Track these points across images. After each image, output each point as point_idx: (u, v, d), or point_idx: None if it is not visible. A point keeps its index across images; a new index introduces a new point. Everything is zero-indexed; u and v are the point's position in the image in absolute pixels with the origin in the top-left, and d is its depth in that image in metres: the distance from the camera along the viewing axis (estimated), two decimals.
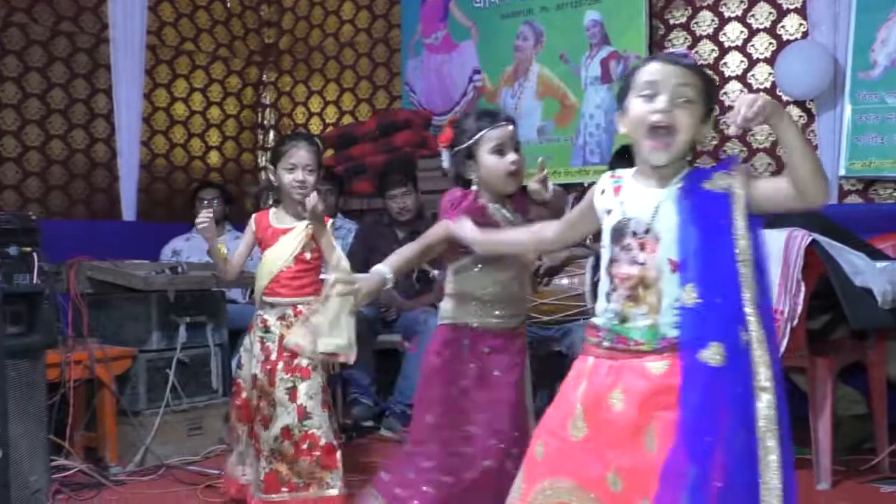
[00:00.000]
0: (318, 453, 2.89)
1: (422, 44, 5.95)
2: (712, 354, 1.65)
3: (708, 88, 1.80)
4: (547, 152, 5.34)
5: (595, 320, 1.86)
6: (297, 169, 2.99)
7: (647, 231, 1.77)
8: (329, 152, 6.09)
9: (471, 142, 2.45)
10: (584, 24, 5.24)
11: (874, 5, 4.29)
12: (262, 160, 6.83)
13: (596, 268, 3.39)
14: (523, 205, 2.55)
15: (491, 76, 5.65)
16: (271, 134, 6.83)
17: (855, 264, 3.21)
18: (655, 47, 5.05)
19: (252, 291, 5.06)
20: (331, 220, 3.10)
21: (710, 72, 2.29)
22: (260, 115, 6.86)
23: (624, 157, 4.28)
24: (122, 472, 3.58)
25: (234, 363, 4.72)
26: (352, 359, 2.59)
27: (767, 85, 4.78)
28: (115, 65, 5.61)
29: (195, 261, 4.65)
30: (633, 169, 1.87)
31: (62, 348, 3.46)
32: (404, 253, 2.46)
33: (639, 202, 1.80)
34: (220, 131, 6.57)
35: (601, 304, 1.84)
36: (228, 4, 6.64)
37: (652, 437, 1.70)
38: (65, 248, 3.91)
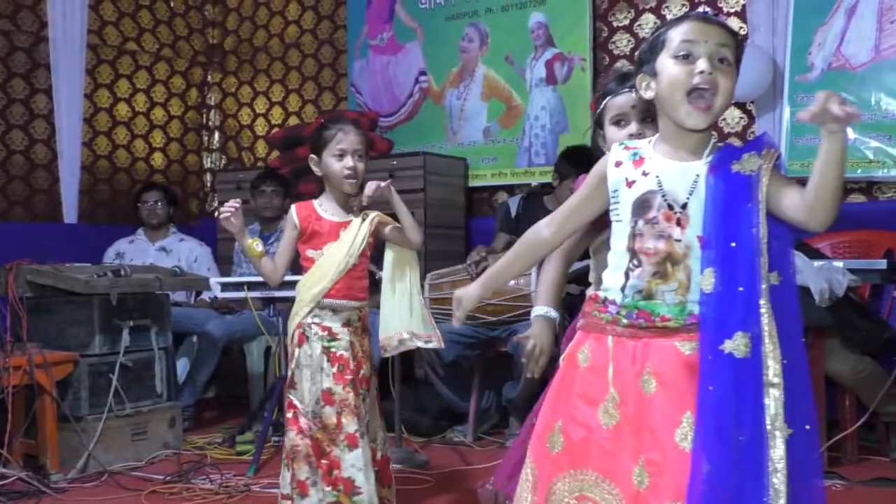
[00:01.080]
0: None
1: (367, 45, 5.94)
2: (737, 345, 1.56)
3: (741, 52, 1.70)
4: (493, 153, 5.39)
5: (607, 294, 1.73)
6: (346, 155, 2.66)
7: (684, 206, 1.66)
8: (275, 153, 6.07)
9: (597, 110, 2.15)
10: (529, 26, 5.28)
11: (812, 9, 4.37)
12: (207, 162, 6.76)
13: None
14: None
15: (436, 77, 5.66)
16: (216, 135, 6.77)
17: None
18: (599, 49, 5.11)
19: (198, 294, 5.05)
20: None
21: None
22: (204, 116, 6.78)
23: (570, 158, 4.34)
24: (63, 479, 3.52)
25: (179, 367, 4.68)
26: (434, 341, 2.71)
27: None
28: (54, 64, 5.53)
29: (139, 263, 4.60)
30: (650, 139, 1.76)
31: (0, 353, 3.40)
32: (556, 281, 2.14)
33: (674, 175, 1.67)
34: (164, 132, 6.49)
35: (617, 281, 1.71)
36: (172, 4, 6.55)
37: (686, 433, 1.59)
38: (3, 251, 3.84)
